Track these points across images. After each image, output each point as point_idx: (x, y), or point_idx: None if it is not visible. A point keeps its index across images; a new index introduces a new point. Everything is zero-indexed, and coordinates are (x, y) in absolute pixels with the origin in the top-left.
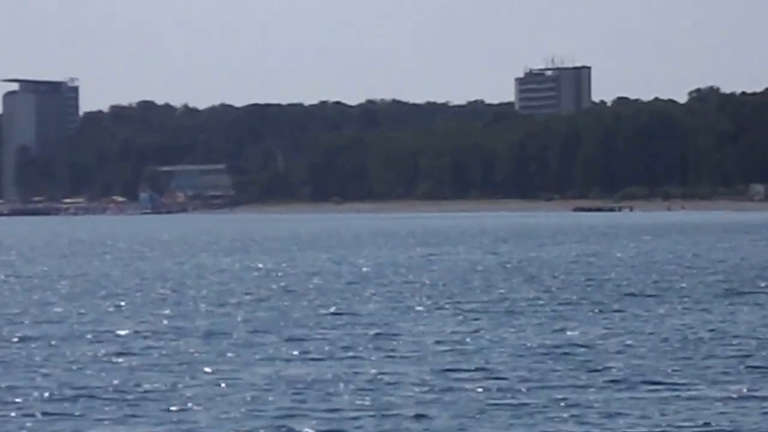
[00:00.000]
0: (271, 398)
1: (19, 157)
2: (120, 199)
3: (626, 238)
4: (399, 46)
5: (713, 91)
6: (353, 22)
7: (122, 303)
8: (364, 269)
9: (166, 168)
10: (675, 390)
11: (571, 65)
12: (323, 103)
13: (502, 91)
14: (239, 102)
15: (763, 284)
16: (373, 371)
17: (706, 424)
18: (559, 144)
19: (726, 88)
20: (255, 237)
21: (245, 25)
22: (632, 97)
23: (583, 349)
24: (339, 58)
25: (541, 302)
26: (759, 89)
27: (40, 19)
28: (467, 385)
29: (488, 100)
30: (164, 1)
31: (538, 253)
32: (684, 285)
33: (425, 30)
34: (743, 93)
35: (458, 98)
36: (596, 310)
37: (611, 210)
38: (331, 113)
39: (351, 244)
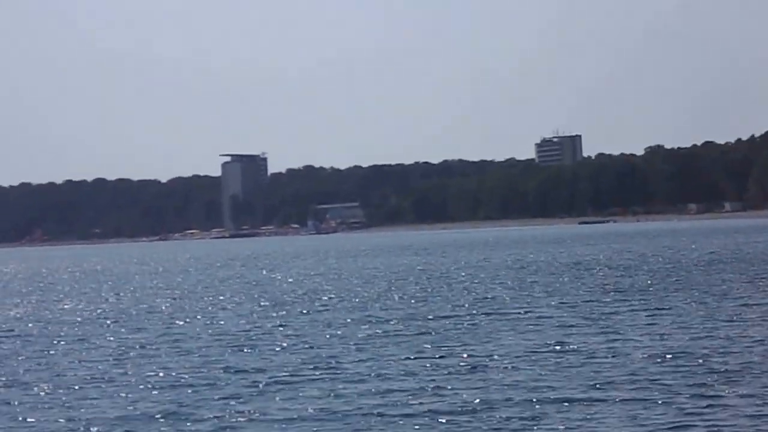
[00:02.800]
0: None
1: (231, 202)
2: (295, 225)
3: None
4: (464, 124)
5: (660, 147)
6: (438, 110)
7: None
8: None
9: (322, 206)
10: None
11: (568, 134)
12: (416, 163)
13: (526, 152)
14: (365, 163)
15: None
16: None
17: None
18: (566, 183)
19: (668, 145)
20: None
21: (364, 113)
22: (606, 152)
23: None
24: (425, 133)
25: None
26: (689, 145)
27: (243, 111)
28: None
29: (518, 158)
30: (319, 100)
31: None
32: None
33: (481, 113)
34: (679, 147)
35: (499, 156)
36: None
37: (602, 222)
38: (422, 168)
39: (479, 247)
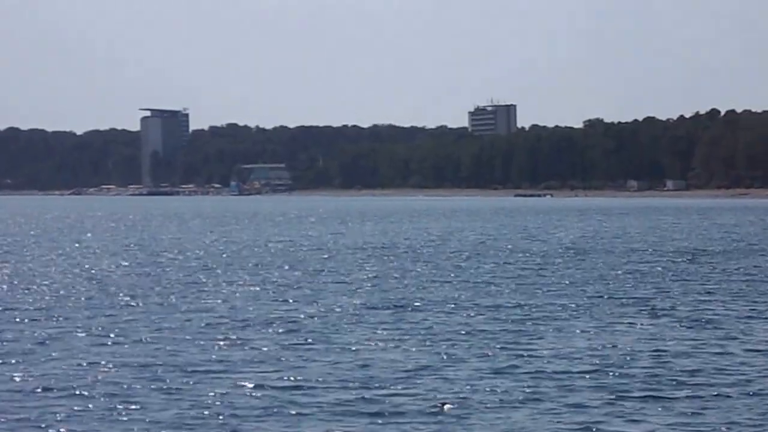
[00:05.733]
0: None
1: (151, 158)
2: (217, 185)
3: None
4: (395, 88)
5: (599, 121)
6: (369, 72)
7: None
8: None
9: (246, 166)
10: None
11: (503, 103)
12: (345, 126)
13: (459, 120)
14: (292, 124)
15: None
16: None
17: None
18: (501, 154)
19: (608, 119)
20: (360, 212)
21: (292, 72)
22: (541, 124)
23: None
24: (354, 96)
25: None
26: (629, 120)
27: (165, 67)
28: None
29: (450, 126)
30: (245, 55)
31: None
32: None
33: (409, 78)
34: (619, 122)
35: (430, 123)
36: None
37: (539, 196)
38: (351, 132)
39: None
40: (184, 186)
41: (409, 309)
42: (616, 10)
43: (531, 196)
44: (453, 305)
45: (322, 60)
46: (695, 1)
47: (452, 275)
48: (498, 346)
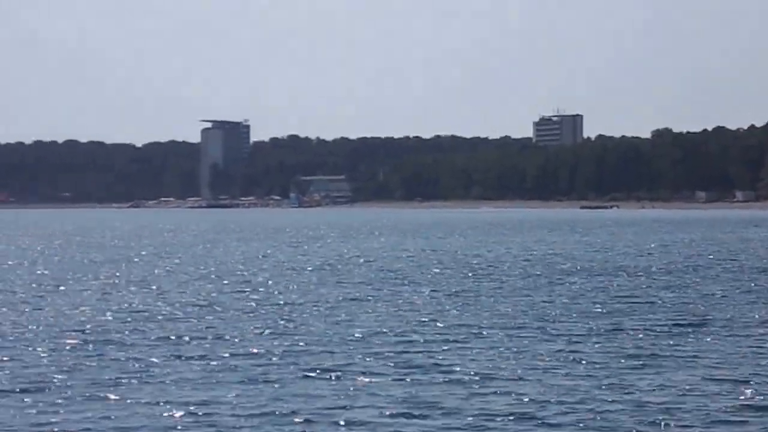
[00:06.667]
0: None
1: (211, 171)
2: (277, 198)
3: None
4: (457, 98)
5: (667, 131)
6: (431, 82)
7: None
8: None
9: (306, 178)
10: None
11: (569, 113)
12: (407, 137)
13: (522, 130)
14: (353, 135)
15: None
16: None
17: None
18: (567, 165)
19: (676, 129)
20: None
21: (353, 83)
22: (608, 134)
23: None
24: (418, 107)
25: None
26: (699, 129)
27: (227, 78)
28: None
29: (513, 136)
30: (307, 66)
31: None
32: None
33: (473, 87)
34: (688, 132)
35: (493, 134)
36: None
37: (605, 208)
38: (412, 143)
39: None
40: (243, 198)
41: (516, 331)
42: (685, 19)
43: (597, 208)
44: (560, 328)
45: (383, 71)
46: (766, 6)
47: (551, 295)
48: (619, 375)
